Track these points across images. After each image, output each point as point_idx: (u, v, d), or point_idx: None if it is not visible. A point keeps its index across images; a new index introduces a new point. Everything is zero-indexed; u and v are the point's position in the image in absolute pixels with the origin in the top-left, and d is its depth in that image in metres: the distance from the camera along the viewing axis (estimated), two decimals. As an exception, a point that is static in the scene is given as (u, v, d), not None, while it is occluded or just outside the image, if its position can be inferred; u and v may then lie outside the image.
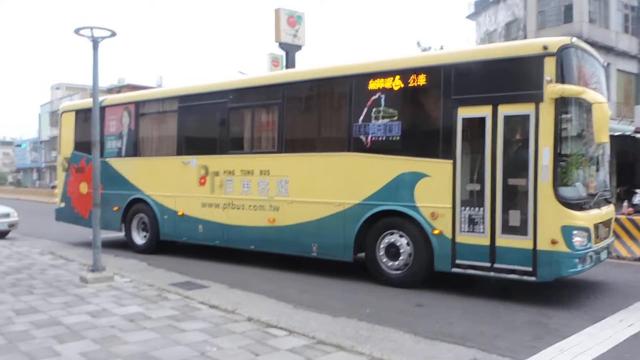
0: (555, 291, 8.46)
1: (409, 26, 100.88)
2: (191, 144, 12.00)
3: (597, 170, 8.70)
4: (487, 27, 36.83)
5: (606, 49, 28.66)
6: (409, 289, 8.69)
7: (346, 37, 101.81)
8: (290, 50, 26.95)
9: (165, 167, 12.27)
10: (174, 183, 12.03)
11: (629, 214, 15.78)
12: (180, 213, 11.83)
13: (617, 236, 10.98)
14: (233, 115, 11.25)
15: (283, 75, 12.31)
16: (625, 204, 21.44)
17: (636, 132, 27.44)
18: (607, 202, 8.91)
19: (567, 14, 30.28)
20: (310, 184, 9.87)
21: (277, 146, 10.44)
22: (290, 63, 26.84)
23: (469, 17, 39.65)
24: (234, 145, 11.22)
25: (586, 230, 7.58)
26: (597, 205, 8.26)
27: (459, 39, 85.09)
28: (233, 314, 6.94)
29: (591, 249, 7.71)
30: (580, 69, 8.00)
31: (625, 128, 27.14)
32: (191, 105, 11.98)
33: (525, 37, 29.71)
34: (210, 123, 11.73)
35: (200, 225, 11.51)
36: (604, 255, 8.41)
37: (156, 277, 9.59)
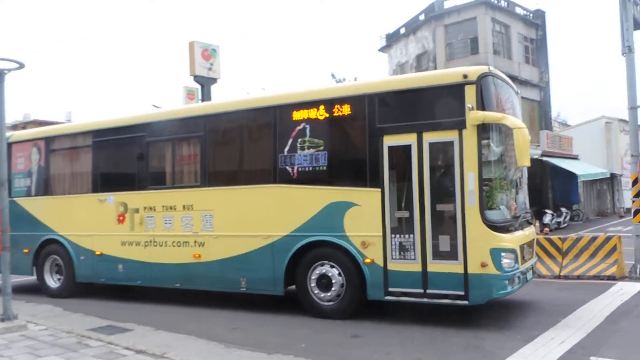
0: (487, 313, 8.59)
1: (323, 58, 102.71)
2: (108, 181, 11.43)
3: (518, 193, 8.99)
4: (399, 59, 38.10)
5: (510, 78, 30.16)
6: (343, 320, 8.55)
7: (262, 69, 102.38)
8: (205, 83, 26.76)
9: (81, 206, 11.61)
10: (90, 222, 11.38)
11: (545, 234, 16.45)
12: (98, 253, 11.19)
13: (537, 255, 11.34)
14: (152, 149, 10.84)
15: (205, 107, 12.05)
16: (537, 224, 22.46)
17: (543, 155, 29.02)
18: (529, 223, 9.22)
19: (473, 46, 31.84)
20: (236, 217, 9.61)
21: (200, 180, 10.12)
22: (206, 96, 26.64)
23: (380, 49, 40.86)
24: (154, 180, 10.78)
25: (513, 251, 7.75)
26: (521, 226, 8.52)
27: (372, 71, 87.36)
28: (162, 358, 6.55)
29: (519, 270, 7.88)
30: (498, 96, 8.28)
31: (532, 152, 28.57)
32: (106, 140, 11.44)
33: (435, 68, 30.88)
34: (127, 158, 11.22)
35: (120, 264, 10.91)
36: (529, 275, 8.64)
37: (74, 323, 8.96)
